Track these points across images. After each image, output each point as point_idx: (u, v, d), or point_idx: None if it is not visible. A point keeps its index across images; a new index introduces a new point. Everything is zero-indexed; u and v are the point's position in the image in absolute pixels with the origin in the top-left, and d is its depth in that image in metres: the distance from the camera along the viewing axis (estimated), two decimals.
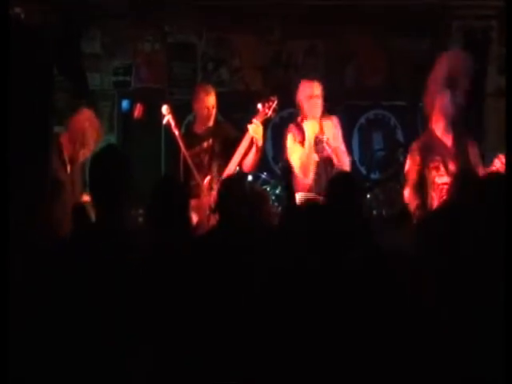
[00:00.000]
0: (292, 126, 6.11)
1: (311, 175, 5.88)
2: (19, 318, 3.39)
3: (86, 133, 5.90)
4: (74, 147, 5.88)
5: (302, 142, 5.99)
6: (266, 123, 6.07)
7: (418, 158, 5.76)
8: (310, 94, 5.99)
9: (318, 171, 5.89)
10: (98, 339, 3.36)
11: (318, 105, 5.99)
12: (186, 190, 4.38)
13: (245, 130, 5.98)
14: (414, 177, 5.75)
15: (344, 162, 6.06)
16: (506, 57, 4.36)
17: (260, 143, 5.97)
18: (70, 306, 3.38)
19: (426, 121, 5.85)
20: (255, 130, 5.90)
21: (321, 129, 6.07)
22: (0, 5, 4.08)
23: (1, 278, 3.39)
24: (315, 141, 5.89)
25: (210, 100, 6.22)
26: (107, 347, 3.35)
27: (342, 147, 6.14)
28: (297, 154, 5.97)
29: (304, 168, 5.89)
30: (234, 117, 6.90)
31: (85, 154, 5.89)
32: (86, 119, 5.98)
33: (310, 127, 6.00)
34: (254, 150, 5.97)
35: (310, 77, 6.23)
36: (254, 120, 5.93)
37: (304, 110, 6.05)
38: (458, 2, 7.45)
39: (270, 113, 5.99)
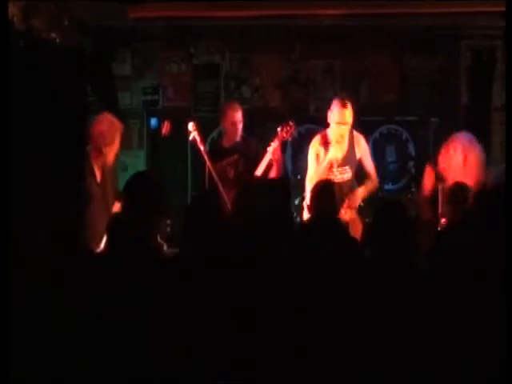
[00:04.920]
0: (318, 139, 6.05)
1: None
2: (55, 321, 3.47)
3: (105, 132, 5.85)
4: (99, 150, 5.83)
5: (321, 158, 5.98)
6: (283, 145, 6.25)
7: (433, 173, 5.79)
8: (340, 121, 5.89)
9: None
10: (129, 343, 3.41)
11: (346, 130, 5.92)
12: (219, 205, 4.36)
13: (265, 149, 6.10)
14: (430, 190, 5.79)
15: (373, 175, 6.13)
16: (506, 60, 4.34)
17: (279, 164, 6.15)
18: (102, 311, 3.45)
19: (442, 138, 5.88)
20: (274, 152, 6.05)
21: (349, 149, 6.00)
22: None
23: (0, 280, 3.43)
24: (331, 164, 5.91)
25: (237, 116, 6.36)
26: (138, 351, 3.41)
27: (370, 165, 6.14)
28: (310, 172, 6.01)
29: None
30: (255, 132, 6.95)
31: (112, 155, 5.85)
32: (102, 120, 5.94)
33: (336, 148, 5.96)
34: (274, 169, 6.10)
35: (343, 96, 6.10)
36: (273, 143, 6.07)
37: (333, 131, 5.97)
38: (466, 22, 7.42)
39: (287, 136, 6.16)
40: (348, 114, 5.91)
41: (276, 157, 6.09)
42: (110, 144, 5.83)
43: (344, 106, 5.92)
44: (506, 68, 4.17)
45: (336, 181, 5.78)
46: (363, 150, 6.09)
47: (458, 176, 5.51)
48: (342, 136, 5.93)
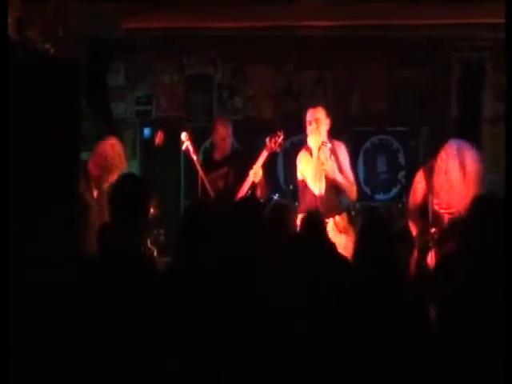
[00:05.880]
0: (302, 150, 6.18)
1: (322, 187, 5.92)
2: (46, 327, 3.48)
3: (109, 158, 5.84)
4: (99, 171, 5.81)
5: (311, 160, 6.05)
6: (272, 154, 6.30)
7: (423, 185, 5.69)
8: (311, 118, 6.01)
9: (326, 187, 5.91)
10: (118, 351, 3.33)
11: (315, 128, 5.98)
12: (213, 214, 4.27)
13: (253, 161, 6.19)
14: (418, 202, 5.71)
15: (348, 186, 6.05)
16: (506, 65, 4.13)
17: (261, 183, 6.23)
18: (92, 317, 3.38)
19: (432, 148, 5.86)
20: (256, 175, 6.17)
21: (332, 154, 5.95)
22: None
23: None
24: (320, 148, 5.92)
25: (226, 132, 6.48)
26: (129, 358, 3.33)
27: (349, 171, 6.12)
28: (308, 170, 6.05)
29: (314, 180, 5.98)
30: (247, 142, 7.02)
31: (109, 179, 5.80)
32: (110, 145, 5.94)
33: (315, 144, 6.01)
34: (258, 187, 6.21)
35: (316, 103, 6.24)
36: (254, 167, 6.15)
37: (308, 133, 6.07)
38: (456, 34, 7.48)
39: (275, 147, 6.20)
40: (319, 112, 6.03)
41: (257, 179, 6.17)
42: (110, 168, 5.81)
43: (314, 106, 6.10)
44: (506, 68, 4.06)
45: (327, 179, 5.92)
46: (344, 157, 6.12)
47: (459, 181, 5.47)
48: (316, 135, 5.98)
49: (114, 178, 5.76)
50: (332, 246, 4.92)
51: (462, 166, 5.48)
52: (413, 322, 3.54)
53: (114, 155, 5.88)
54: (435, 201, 5.55)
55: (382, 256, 3.71)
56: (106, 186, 5.81)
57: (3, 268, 3.39)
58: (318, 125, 6.00)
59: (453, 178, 5.49)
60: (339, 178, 5.98)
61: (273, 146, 6.20)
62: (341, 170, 6.06)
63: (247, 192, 6.22)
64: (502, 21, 6.45)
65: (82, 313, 3.43)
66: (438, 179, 5.58)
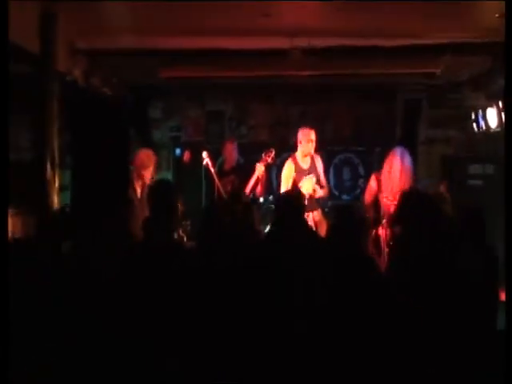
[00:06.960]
0: (290, 160, 6.19)
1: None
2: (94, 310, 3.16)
3: (144, 162, 5.95)
4: (140, 175, 5.92)
5: (295, 172, 6.11)
6: (267, 166, 6.55)
7: (374, 186, 5.81)
8: (309, 138, 6.08)
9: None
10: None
11: (312, 147, 6.12)
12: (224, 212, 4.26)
13: (253, 170, 6.45)
14: (371, 198, 5.83)
15: (323, 191, 6.15)
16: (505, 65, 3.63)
17: (263, 179, 6.45)
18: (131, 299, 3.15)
19: (382, 163, 5.84)
20: (259, 170, 6.41)
21: (312, 162, 6.12)
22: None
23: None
24: (304, 174, 6.07)
25: (233, 149, 6.81)
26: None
27: (323, 177, 6.28)
28: (284, 186, 6.20)
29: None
30: (251, 159, 7.12)
31: (148, 177, 5.92)
32: (142, 153, 6.06)
33: (303, 162, 6.11)
34: (260, 183, 6.45)
35: (309, 125, 6.22)
36: (258, 164, 6.42)
37: (302, 148, 6.12)
38: (400, 80, 7.55)
39: (269, 160, 6.48)
40: (312, 134, 6.14)
41: (261, 174, 6.40)
42: (147, 169, 6.06)
43: (310, 128, 6.20)
44: (506, 69, 3.60)
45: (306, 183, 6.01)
46: (320, 167, 6.26)
47: (398, 176, 5.59)
48: (309, 151, 6.09)
49: (150, 174, 5.90)
50: (311, 226, 5.10)
51: (403, 164, 5.64)
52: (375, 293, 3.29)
53: (145, 158, 6.05)
54: (383, 195, 5.70)
55: (353, 242, 3.54)
56: (146, 183, 5.84)
57: (3, 267, 2.97)
58: (312, 144, 6.10)
59: (395, 174, 5.61)
60: (316, 189, 6.12)
61: (267, 159, 6.43)
62: (318, 180, 6.17)
63: (253, 185, 6.37)
64: (434, 71, 6.50)
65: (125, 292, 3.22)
66: (385, 177, 5.70)
